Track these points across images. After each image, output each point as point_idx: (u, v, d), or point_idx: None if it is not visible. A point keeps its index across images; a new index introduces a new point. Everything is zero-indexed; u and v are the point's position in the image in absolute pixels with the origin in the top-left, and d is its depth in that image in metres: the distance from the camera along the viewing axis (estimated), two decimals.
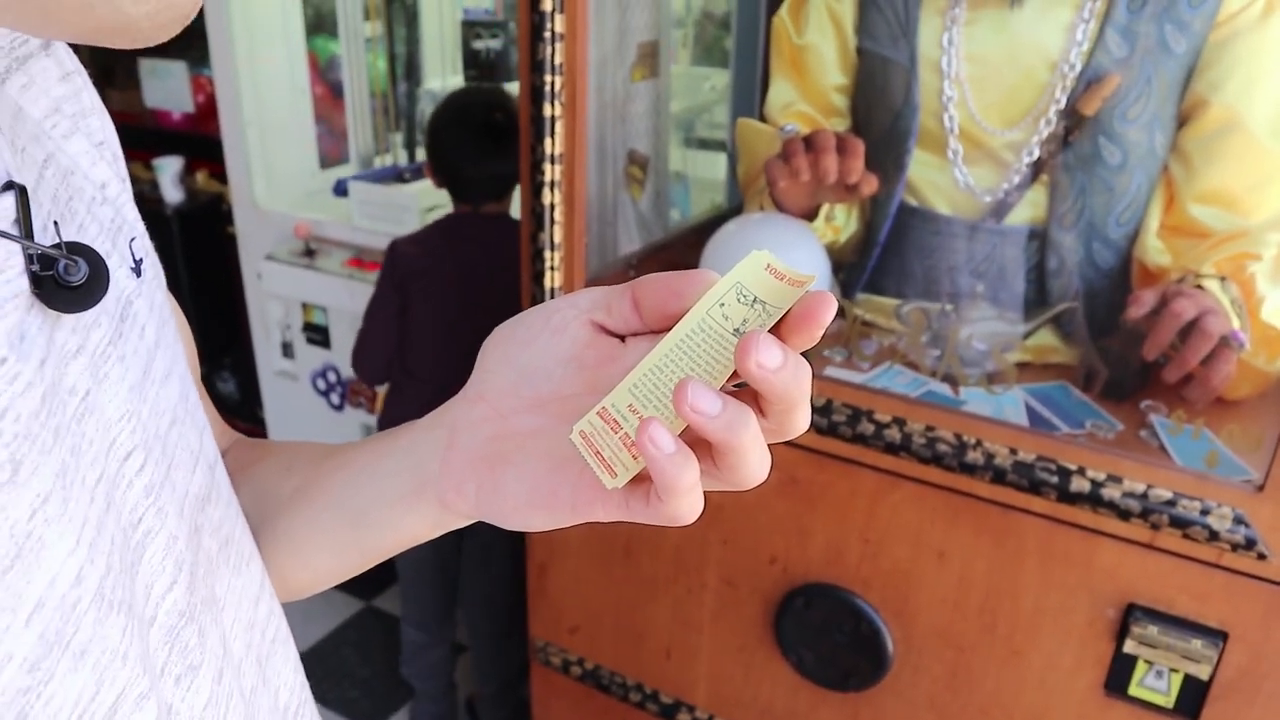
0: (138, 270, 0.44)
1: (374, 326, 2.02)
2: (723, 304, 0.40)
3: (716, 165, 2.31)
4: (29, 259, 0.34)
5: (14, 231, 0.33)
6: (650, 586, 1.38)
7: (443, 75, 3.05)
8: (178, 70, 3.01)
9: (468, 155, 1.94)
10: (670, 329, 0.41)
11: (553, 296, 1.26)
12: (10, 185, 0.34)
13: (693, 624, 1.36)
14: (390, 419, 2.11)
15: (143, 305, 0.43)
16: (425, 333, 1.98)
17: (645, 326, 0.44)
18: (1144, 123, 1.22)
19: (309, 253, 2.50)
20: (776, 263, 0.40)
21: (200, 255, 3.03)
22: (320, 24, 2.88)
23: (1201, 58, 1.21)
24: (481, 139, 1.93)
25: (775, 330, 0.39)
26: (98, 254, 0.36)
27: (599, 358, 0.44)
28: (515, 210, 2.03)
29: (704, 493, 0.40)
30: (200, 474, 0.45)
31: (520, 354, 0.45)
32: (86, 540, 0.34)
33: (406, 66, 3.03)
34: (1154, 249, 1.24)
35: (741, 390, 0.40)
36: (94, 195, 0.43)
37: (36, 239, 0.34)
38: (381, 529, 0.50)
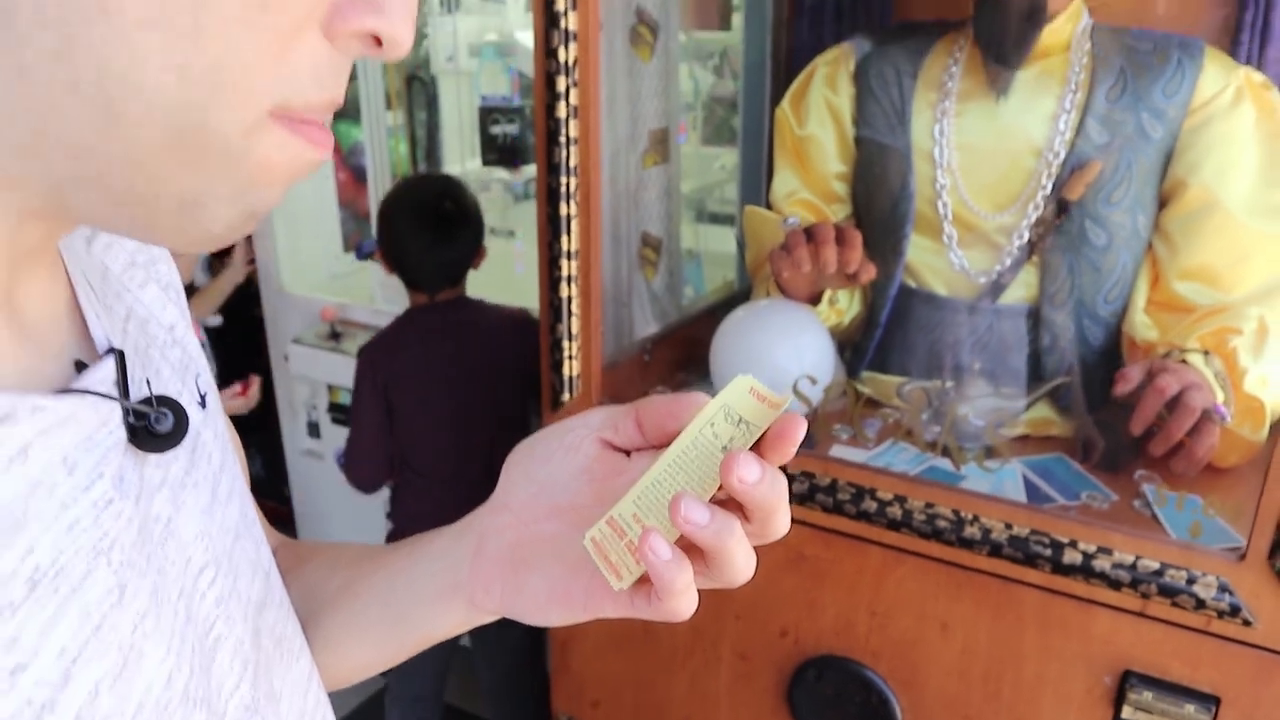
0: (203, 403, 0.50)
1: (363, 435, 1.99)
2: (713, 424, 0.46)
3: (727, 239, 2.38)
4: (126, 413, 0.40)
5: (113, 392, 0.40)
6: (668, 660, 1.42)
7: (462, 159, 3.14)
8: None
9: (419, 243, 1.93)
10: (669, 445, 0.47)
11: (571, 384, 1.33)
12: (110, 350, 0.41)
13: (709, 697, 1.40)
14: (403, 513, 2.09)
15: (209, 435, 0.49)
16: (419, 430, 1.98)
17: (647, 442, 0.50)
18: (1127, 205, 1.29)
19: (334, 335, 2.57)
20: (759, 386, 0.46)
21: (229, 337, 3.11)
22: (343, 110, 2.94)
23: (1178, 142, 1.28)
24: (432, 227, 1.93)
25: (756, 446, 0.45)
26: (180, 405, 0.43)
27: (607, 471, 0.51)
28: (484, 286, 2.05)
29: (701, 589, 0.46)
30: (259, 582, 0.51)
31: (539, 469, 0.52)
32: (174, 649, 0.40)
33: (427, 151, 3.13)
34: (1142, 324, 1.30)
35: (729, 500, 0.46)
36: (165, 339, 0.50)
37: (131, 394, 0.41)
38: (417, 625, 0.56)
